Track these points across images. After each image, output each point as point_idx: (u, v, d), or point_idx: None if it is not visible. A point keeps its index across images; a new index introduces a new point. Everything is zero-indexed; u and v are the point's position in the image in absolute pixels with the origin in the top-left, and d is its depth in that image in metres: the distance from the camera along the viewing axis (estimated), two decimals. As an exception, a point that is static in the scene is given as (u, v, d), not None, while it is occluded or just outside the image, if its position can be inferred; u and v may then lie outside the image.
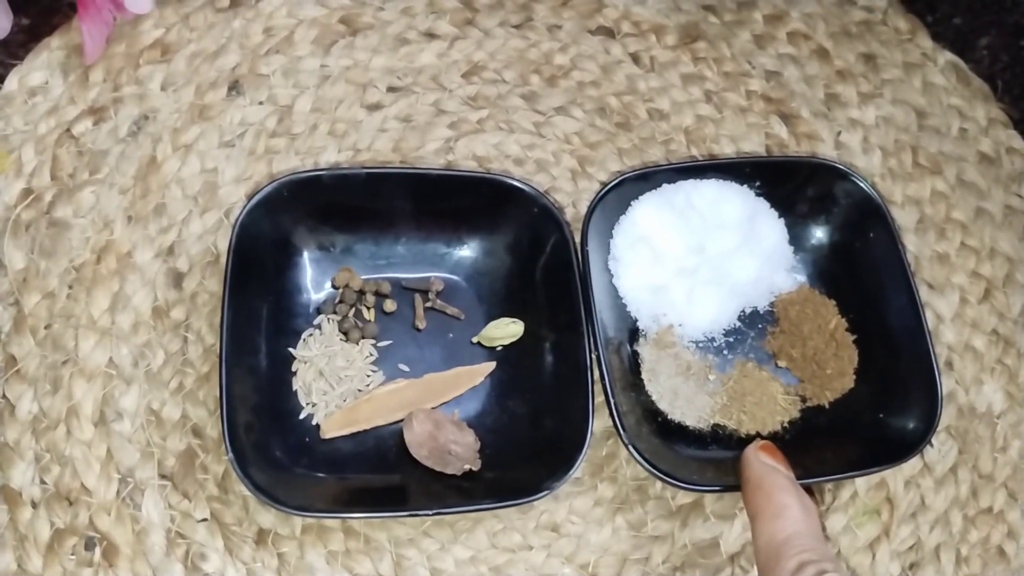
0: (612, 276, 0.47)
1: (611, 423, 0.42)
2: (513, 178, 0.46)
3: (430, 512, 0.38)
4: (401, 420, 0.43)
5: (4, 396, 0.44)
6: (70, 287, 0.46)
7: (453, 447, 0.41)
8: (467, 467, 0.42)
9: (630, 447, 0.41)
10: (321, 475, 0.41)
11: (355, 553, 0.43)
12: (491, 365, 0.45)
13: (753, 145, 0.53)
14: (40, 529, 0.42)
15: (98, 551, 0.42)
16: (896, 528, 0.46)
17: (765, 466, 0.40)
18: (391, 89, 0.52)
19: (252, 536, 0.43)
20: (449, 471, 0.42)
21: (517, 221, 0.46)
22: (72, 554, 0.42)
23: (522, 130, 0.52)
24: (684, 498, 0.45)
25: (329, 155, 0.50)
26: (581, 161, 0.51)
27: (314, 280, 0.46)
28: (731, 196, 0.48)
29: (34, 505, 0.42)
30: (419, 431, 0.42)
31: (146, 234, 0.47)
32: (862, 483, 0.47)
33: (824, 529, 0.45)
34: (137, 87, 0.50)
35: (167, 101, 0.50)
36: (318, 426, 0.43)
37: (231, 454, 0.37)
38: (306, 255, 0.46)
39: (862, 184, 0.48)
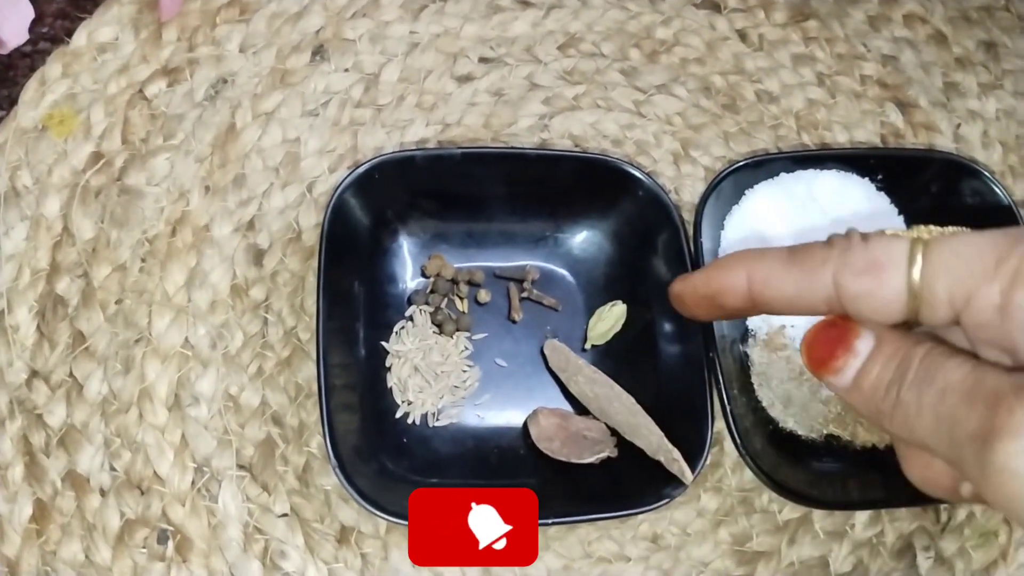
0: (722, 271, 0.44)
1: (719, 427, 0.39)
2: (623, 160, 0.43)
3: (549, 521, 0.35)
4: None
5: (72, 375, 0.41)
6: (143, 260, 0.43)
7: (587, 432, 0.39)
8: (606, 453, 0.39)
9: (745, 456, 0.38)
10: (423, 480, 0.38)
11: (441, 556, 0.40)
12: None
13: (867, 134, 0.49)
14: (109, 519, 0.39)
15: (171, 545, 0.39)
16: (1014, 552, 0.43)
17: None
18: (483, 60, 0.48)
19: (334, 534, 0.40)
20: (587, 459, 0.39)
21: (621, 207, 0.43)
22: (143, 547, 0.39)
23: (621, 108, 0.48)
24: (792, 512, 0.42)
25: (416, 129, 0.46)
26: (684, 144, 0.48)
27: (405, 268, 0.43)
28: (853, 190, 0.44)
29: (103, 493, 0.40)
30: (546, 424, 0.39)
31: (224, 206, 0.44)
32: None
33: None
34: (214, 48, 0.47)
35: (246, 64, 0.46)
36: (414, 424, 0.40)
37: (334, 460, 0.34)
38: (397, 241, 0.43)
39: (995, 186, 0.44)
